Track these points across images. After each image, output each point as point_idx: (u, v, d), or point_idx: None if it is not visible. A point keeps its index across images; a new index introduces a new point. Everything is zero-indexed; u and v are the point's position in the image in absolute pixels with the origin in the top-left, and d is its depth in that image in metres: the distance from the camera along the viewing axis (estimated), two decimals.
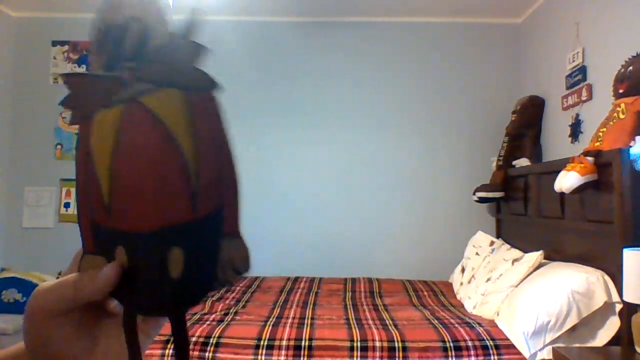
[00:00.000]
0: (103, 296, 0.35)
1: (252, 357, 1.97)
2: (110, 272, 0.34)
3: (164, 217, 0.33)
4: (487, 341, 2.02)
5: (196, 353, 1.97)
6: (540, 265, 2.34)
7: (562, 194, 2.30)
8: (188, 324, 2.19)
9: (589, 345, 1.94)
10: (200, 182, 0.33)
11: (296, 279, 3.29)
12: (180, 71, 0.34)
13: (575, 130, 2.79)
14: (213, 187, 0.33)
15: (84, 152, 0.36)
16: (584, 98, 2.72)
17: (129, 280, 0.34)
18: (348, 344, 2.02)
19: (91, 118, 0.35)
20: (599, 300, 1.92)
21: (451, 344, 2.00)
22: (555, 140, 3.09)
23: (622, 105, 2.10)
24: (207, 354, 1.97)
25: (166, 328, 0.36)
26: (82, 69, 3.77)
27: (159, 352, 1.93)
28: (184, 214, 0.33)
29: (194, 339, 2.02)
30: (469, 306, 2.55)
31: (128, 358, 0.35)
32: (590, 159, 2.10)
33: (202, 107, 0.34)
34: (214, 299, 2.67)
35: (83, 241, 0.37)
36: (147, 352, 1.90)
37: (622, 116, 2.08)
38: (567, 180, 2.11)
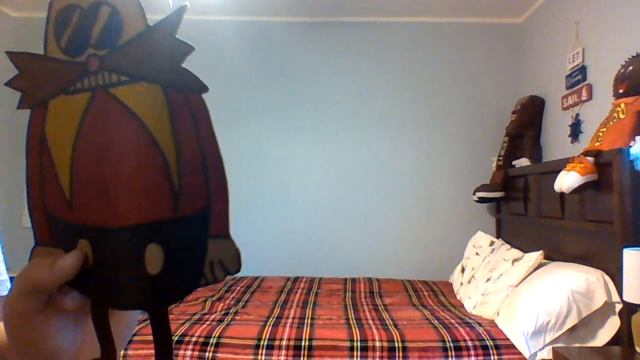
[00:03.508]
0: (59, 283, 0.33)
1: (252, 357, 1.97)
2: (71, 260, 0.32)
3: (139, 214, 0.32)
4: (487, 341, 2.02)
5: (196, 353, 1.97)
6: (540, 265, 2.34)
7: (562, 194, 2.30)
8: (187, 324, 2.17)
9: (589, 345, 1.94)
10: (182, 181, 0.32)
11: (296, 279, 3.29)
12: (159, 67, 0.32)
13: (575, 130, 2.79)
14: (198, 188, 0.32)
15: (36, 140, 0.34)
16: (584, 98, 2.71)
17: (94, 273, 0.33)
18: (348, 344, 2.02)
19: (45, 103, 0.33)
20: (599, 300, 1.92)
21: (451, 344, 2.00)
22: (555, 140, 3.09)
23: (622, 105, 2.10)
24: (207, 354, 1.97)
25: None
26: None
27: None
28: (164, 211, 0.32)
29: (193, 339, 2.02)
30: (469, 306, 2.55)
31: (100, 352, 0.34)
32: (590, 159, 2.10)
33: (184, 105, 0.32)
34: (214, 299, 2.67)
35: (35, 232, 0.35)
36: (146, 352, 1.89)
37: (622, 116, 2.08)
38: (567, 180, 2.11)
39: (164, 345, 0.33)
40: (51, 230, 0.34)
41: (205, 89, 0.32)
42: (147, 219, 0.32)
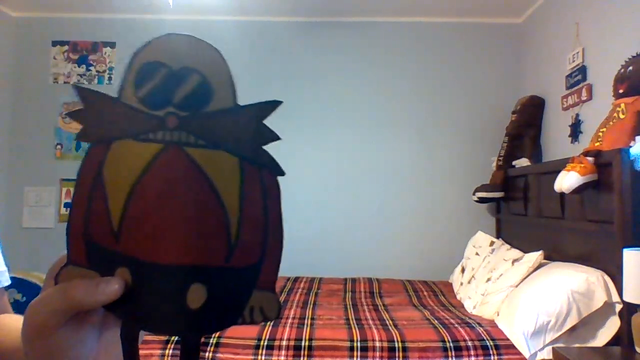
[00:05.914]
0: (100, 306, 0.33)
1: (252, 357, 1.97)
2: (115, 286, 0.33)
3: (190, 257, 0.33)
4: (487, 341, 2.02)
5: None
6: (540, 265, 2.34)
7: (562, 194, 2.30)
8: None
9: (589, 345, 1.94)
10: (240, 238, 0.33)
11: (296, 279, 3.29)
12: (242, 143, 0.34)
13: (575, 130, 2.79)
14: (254, 247, 0.34)
15: (91, 175, 0.34)
16: (584, 98, 2.72)
17: (130, 299, 0.33)
18: (348, 344, 2.02)
19: (109, 142, 0.34)
20: (599, 300, 1.92)
21: (451, 344, 2.00)
22: (555, 140, 3.09)
23: (622, 105, 2.10)
24: (207, 354, 1.97)
25: None
26: (82, 69, 3.76)
27: (159, 352, 1.93)
28: (215, 259, 0.33)
29: None
30: (469, 306, 2.55)
31: None
32: (590, 159, 2.10)
33: (256, 178, 0.34)
34: None
35: (70, 251, 0.34)
36: (147, 352, 1.89)
37: (622, 116, 2.08)
38: (567, 180, 2.11)
39: None
40: (89, 254, 0.35)
41: (281, 173, 0.35)
42: (197, 262, 0.33)
